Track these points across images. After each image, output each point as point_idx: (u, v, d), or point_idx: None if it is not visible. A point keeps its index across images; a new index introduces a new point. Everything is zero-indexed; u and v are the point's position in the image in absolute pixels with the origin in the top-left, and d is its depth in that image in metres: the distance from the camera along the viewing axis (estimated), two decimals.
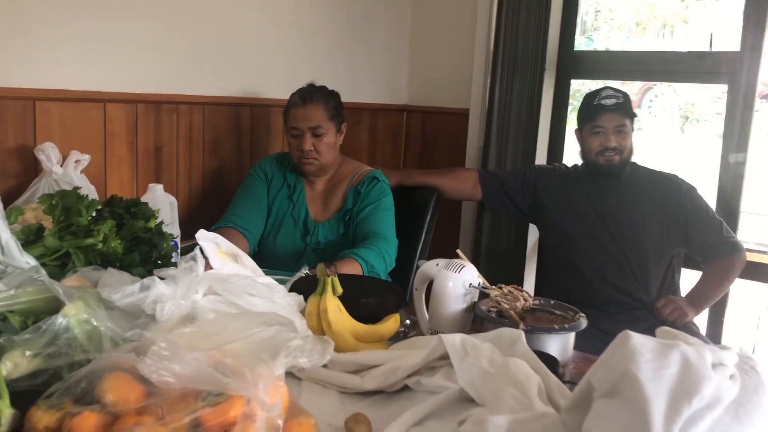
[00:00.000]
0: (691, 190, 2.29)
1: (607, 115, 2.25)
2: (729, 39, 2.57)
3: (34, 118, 1.99)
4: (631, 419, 0.77)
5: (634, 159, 2.35)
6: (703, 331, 2.43)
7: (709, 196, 2.53)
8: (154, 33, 2.24)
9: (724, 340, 2.55)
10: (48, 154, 1.91)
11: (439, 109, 3.15)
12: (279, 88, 2.62)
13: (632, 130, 2.30)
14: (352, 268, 1.94)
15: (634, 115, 2.31)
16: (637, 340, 0.84)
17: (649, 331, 0.93)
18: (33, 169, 1.99)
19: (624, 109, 2.25)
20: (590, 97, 2.30)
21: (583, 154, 2.36)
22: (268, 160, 2.32)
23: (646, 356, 0.82)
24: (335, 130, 2.22)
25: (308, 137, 2.15)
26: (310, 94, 2.18)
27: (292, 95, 2.22)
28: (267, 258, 2.12)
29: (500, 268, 2.90)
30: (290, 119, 2.18)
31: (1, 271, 1.19)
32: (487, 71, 2.93)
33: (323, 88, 2.24)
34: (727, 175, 2.51)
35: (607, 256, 2.28)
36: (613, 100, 2.24)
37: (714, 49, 2.67)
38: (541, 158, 2.88)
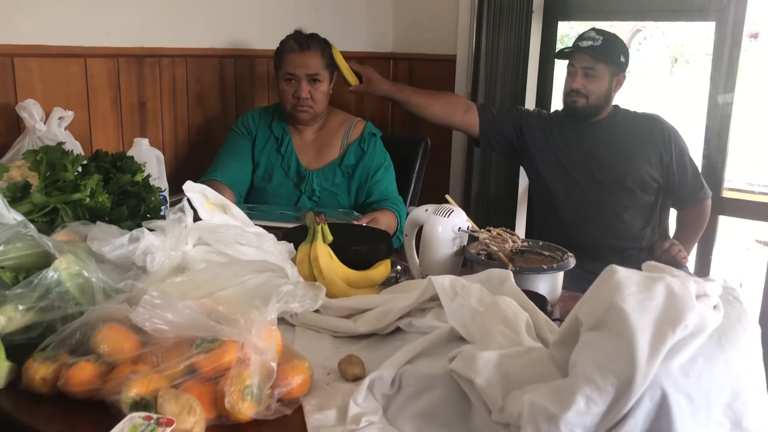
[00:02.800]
0: (674, 131, 2.28)
1: (578, 56, 2.22)
2: None
3: (14, 75, 1.95)
4: (617, 349, 0.79)
5: (618, 103, 2.33)
6: (691, 268, 2.47)
7: (698, 137, 2.54)
8: None
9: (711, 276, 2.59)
10: (30, 111, 1.88)
11: (426, 56, 3.11)
12: (262, 39, 2.58)
13: (611, 75, 2.21)
14: (391, 219, 2.06)
15: (620, 62, 2.21)
16: (623, 273, 0.86)
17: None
18: (16, 127, 1.96)
19: (597, 52, 2.18)
20: (576, 38, 2.27)
21: None
22: (250, 115, 2.29)
23: (631, 289, 0.83)
24: (329, 78, 2.21)
25: (304, 84, 2.14)
26: (307, 40, 2.16)
27: (287, 41, 2.18)
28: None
29: (491, 213, 2.92)
30: (285, 65, 2.15)
31: None
32: (473, 15, 2.88)
33: (317, 35, 2.21)
34: (714, 115, 2.51)
35: (593, 199, 2.28)
36: (589, 42, 2.19)
37: None
38: (530, 103, 2.87)
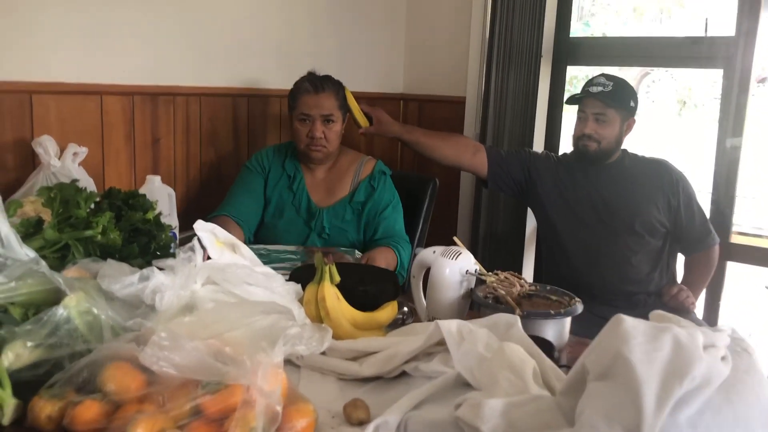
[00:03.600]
0: (682, 177, 2.29)
1: (590, 101, 2.24)
2: (724, 24, 2.57)
3: (31, 111, 1.99)
4: (623, 401, 0.79)
5: (626, 146, 2.34)
6: (699, 314, 2.45)
7: (705, 180, 2.54)
8: (149, 24, 2.24)
9: (720, 324, 2.57)
10: (45, 147, 1.91)
11: (436, 97, 3.15)
12: (276, 79, 2.63)
13: (622, 120, 2.24)
14: (389, 255, 2.07)
15: (630, 106, 2.24)
16: (630, 323, 0.86)
17: (647, 316, 0.94)
18: (31, 162, 1.99)
19: (609, 97, 2.20)
20: (585, 83, 2.30)
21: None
22: (264, 152, 2.32)
23: (638, 339, 0.83)
24: (342, 118, 2.26)
25: (319, 124, 2.18)
26: (322, 82, 2.21)
27: (301, 82, 2.23)
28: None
29: (499, 255, 2.92)
30: (300, 106, 2.20)
31: (1, 263, 1.20)
32: (482, 59, 2.93)
33: (331, 77, 2.26)
34: (723, 159, 2.52)
35: (601, 242, 2.28)
36: (599, 88, 2.21)
37: (709, 34, 2.66)
38: (538, 146, 2.89)
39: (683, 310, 2.20)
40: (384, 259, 2.01)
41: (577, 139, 2.29)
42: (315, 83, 2.20)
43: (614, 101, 2.21)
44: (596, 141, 2.25)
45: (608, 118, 2.23)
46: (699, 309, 2.41)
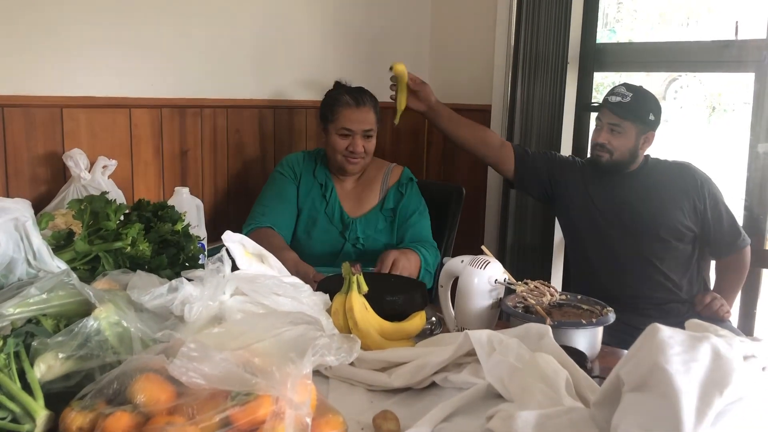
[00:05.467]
0: (707, 179, 2.24)
1: (606, 111, 2.21)
2: (755, 26, 2.52)
3: (62, 125, 2.02)
4: (661, 413, 0.76)
5: (654, 152, 2.30)
6: (734, 322, 2.40)
7: (738, 187, 2.50)
8: (176, 39, 2.27)
9: (756, 333, 2.52)
10: (76, 160, 1.94)
11: (461, 106, 3.12)
12: (301, 90, 2.64)
13: (638, 133, 2.18)
14: (413, 256, 2.02)
15: (649, 120, 2.17)
16: (666, 332, 0.84)
17: (681, 325, 0.92)
18: (62, 175, 2.02)
19: (625, 109, 2.15)
20: (608, 92, 2.26)
21: None
22: (294, 158, 2.30)
23: (675, 349, 0.81)
24: (377, 131, 2.23)
25: (359, 139, 2.16)
26: (362, 95, 2.19)
27: (340, 95, 2.19)
28: (303, 257, 2.01)
29: (526, 265, 2.89)
30: (341, 120, 2.16)
31: (34, 275, 1.22)
32: (508, 67, 2.91)
33: (365, 89, 2.24)
34: (755, 165, 2.47)
35: (627, 249, 2.24)
36: (618, 98, 2.17)
37: (740, 38, 2.62)
38: (565, 153, 2.86)
39: (718, 320, 2.15)
40: (403, 255, 1.95)
41: (592, 147, 2.27)
42: (356, 97, 2.17)
43: (629, 113, 2.16)
44: (608, 151, 2.21)
45: (623, 130, 2.18)
46: (734, 318, 2.36)
